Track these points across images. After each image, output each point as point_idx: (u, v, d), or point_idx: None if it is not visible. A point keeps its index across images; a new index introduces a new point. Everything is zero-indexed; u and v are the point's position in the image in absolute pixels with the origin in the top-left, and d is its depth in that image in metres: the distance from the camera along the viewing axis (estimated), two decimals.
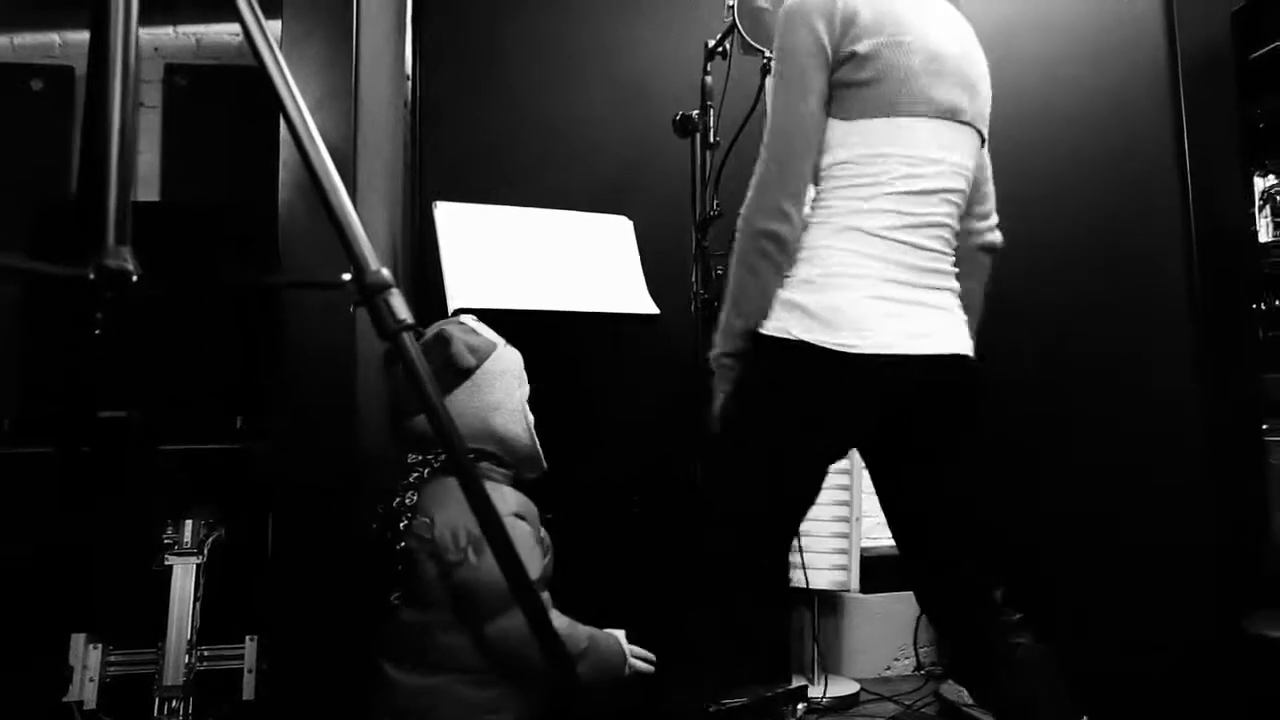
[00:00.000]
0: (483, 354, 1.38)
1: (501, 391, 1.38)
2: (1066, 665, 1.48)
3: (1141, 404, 2.09)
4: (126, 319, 1.99)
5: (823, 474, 1.54)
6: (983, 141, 1.56)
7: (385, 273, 0.86)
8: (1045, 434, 2.38)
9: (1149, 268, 2.10)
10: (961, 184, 1.51)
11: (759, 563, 1.53)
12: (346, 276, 0.87)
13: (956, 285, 1.52)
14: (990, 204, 1.63)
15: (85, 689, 1.83)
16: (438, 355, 1.36)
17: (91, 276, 0.84)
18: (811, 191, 1.50)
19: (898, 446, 1.53)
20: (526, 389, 1.46)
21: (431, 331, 1.43)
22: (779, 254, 1.45)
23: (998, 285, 1.63)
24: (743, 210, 1.46)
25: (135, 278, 0.85)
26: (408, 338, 0.84)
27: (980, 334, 1.60)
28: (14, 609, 1.95)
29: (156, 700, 1.83)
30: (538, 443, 1.43)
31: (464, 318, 1.48)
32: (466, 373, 1.36)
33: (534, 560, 1.32)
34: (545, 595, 1.33)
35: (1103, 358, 2.22)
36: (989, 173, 1.63)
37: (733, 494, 1.50)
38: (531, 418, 1.45)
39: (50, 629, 1.87)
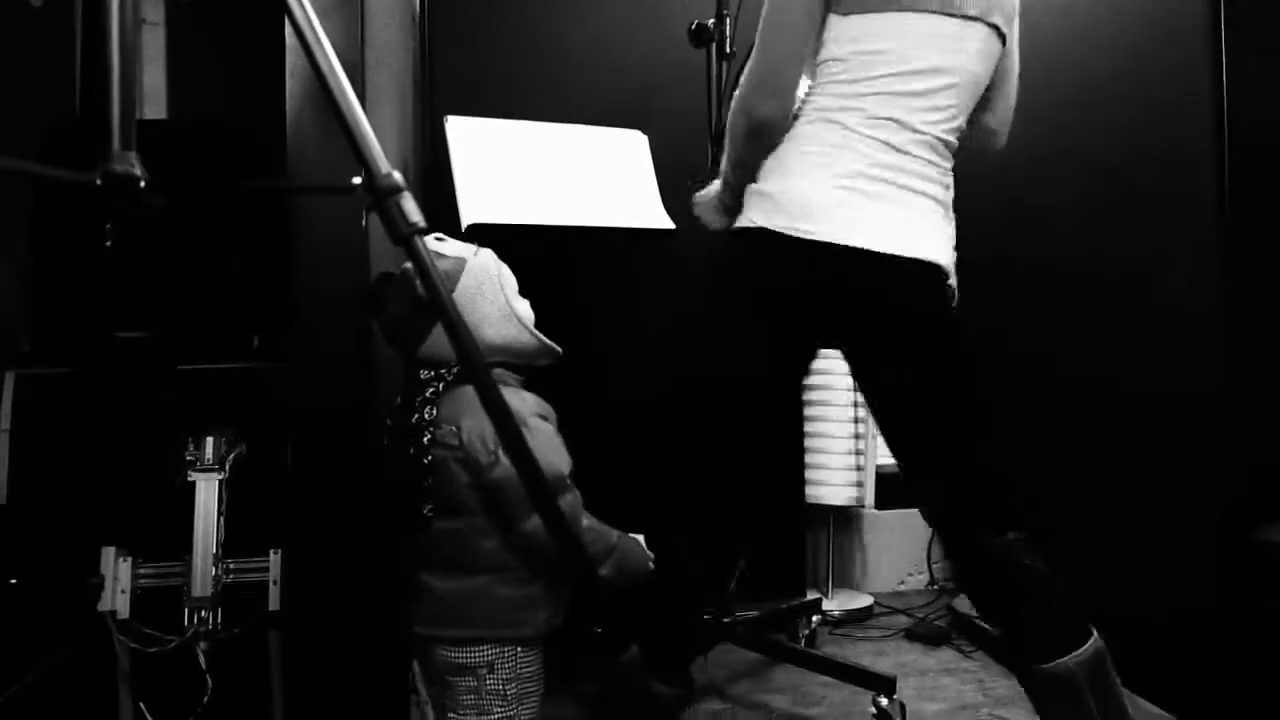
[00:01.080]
0: (452, 278, 1.33)
1: (484, 303, 1.34)
2: (1075, 580, 1.48)
3: (1160, 314, 2.05)
4: (140, 239, 1.99)
5: (791, 373, 1.57)
6: (1002, 39, 1.49)
7: (396, 176, 0.84)
8: (1054, 343, 2.35)
9: (1174, 163, 2.00)
10: (966, 95, 1.46)
11: (732, 466, 1.55)
12: (357, 180, 0.85)
13: (943, 194, 1.49)
14: (1004, 114, 1.58)
15: (118, 599, 1.88)
16: (405, 298, 1.31)
17: (99, 182, 0.83)
18: (804, 87, 1.47)
19: (872, 356, 1.51)
20: (510, 281, 1.41)
21: (395, 272, 1.36)
22: (769, 139, 1.47)
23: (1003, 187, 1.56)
24: (736, 94, 1.48)
25: (143, 183, 0.84)
26: (421, 241, 0.83)
27: (987, 239, 1.56)
28: (42, 524, 1.99)
29: (186, 610, 1.88)
30: (540, 334, 1.40)
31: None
32: None
33: (562, 455, 1.33)
34: (576, 494, 1.34)
35: (1120, 260, 2.17)
36: (1012, 77, 1.57)
37: (702, 391, 1.54)
38: (525, 310, 1.41)
39: (79, 543, 1.91)
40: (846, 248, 1.37)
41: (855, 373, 1.58)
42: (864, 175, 1.40)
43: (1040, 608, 1.46)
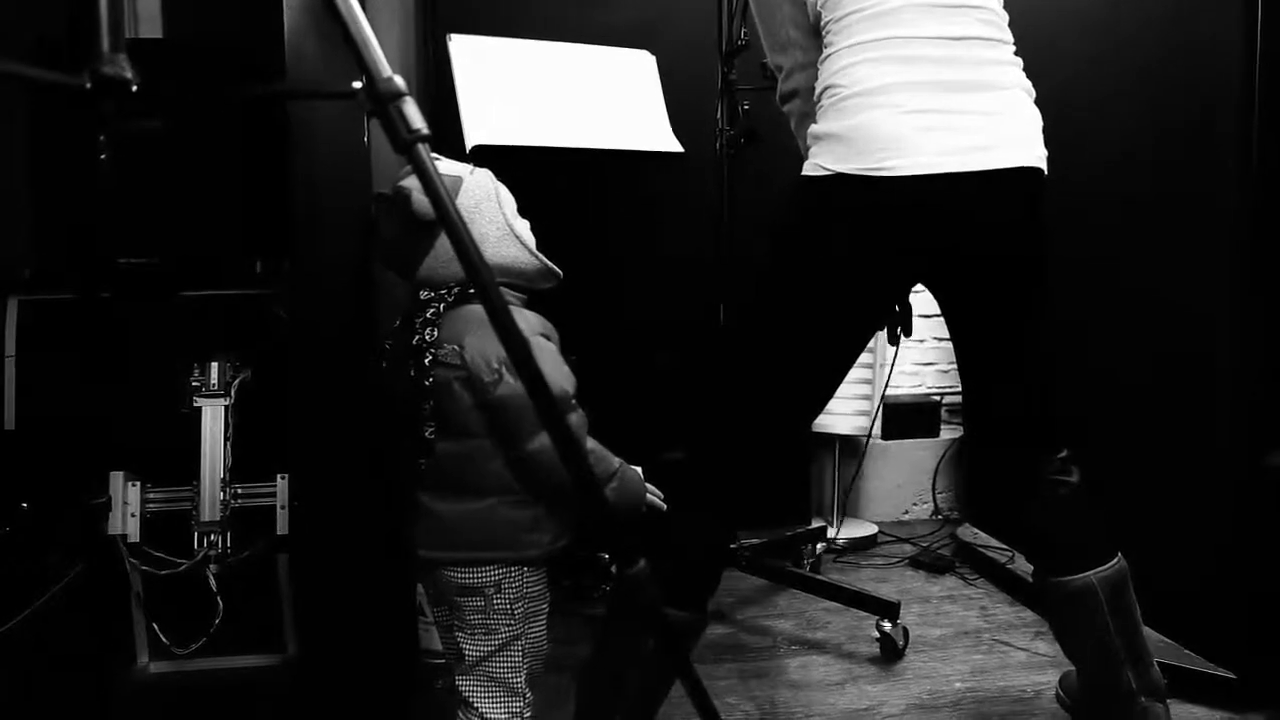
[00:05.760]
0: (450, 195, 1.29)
1: (482, 222, 1.30)
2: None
3: (1174, 243, 2.00)
4: (141, 163, 1.95)
5: (876, 319, 1.50)
6: None
7: (398, 80, 0.80)
8: (1066, 266, 2.30)
9: (1199, 102, 1.94)
10: None
11: (786, 415, 1.51)
12: (357, 85, 0.81)
13: (1014, 77, 1.37)
14: None
15: (128, 523, 1.89)
16: (401, 216, 1.26)
17: (88, 86, 0.79)
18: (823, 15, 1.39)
19: (969, 281, 1.43)
20: (509, 200, 1.36)
21: (389, 192, 1.31)
22: (798, 110, 1.47)
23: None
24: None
25: (134, 88, 0.81)
26: (423, 149, 0.80)
27: None
28: (50, 449, 2.00)
29: (196, 535, 1.90)
30: (540, 255, 1.36)
31: None
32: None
33: (565, 374, 1.31)
34: (581, 414, 1.32)
35: (1136, 197, 2.12)
36: None
37: (768, 347, 1.46)
38: (524, 230, 1.36)
39: (88, 468, 1.92)
40: (930, 177, 1.27)
41: (946, 302, 1.49)
42: (934, 85, 1.29)
43: (1074, 524, 1.47)
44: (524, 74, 2.18)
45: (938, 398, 3.29)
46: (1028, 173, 1.35)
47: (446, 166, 1.33)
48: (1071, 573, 1.45)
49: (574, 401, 1.30)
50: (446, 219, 0.80)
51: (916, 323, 3.13)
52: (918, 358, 3.27)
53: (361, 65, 0.81)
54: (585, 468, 0.81)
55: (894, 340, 1.64)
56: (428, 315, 1.29)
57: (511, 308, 1.32)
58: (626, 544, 0.85)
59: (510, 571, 1.31)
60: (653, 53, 2.38)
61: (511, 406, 1.23)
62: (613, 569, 2.26)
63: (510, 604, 1.31)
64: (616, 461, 1.35)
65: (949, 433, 3.28)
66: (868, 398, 2.88)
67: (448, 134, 2.09)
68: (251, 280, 2.07)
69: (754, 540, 2.48)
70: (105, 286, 2.05)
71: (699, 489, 1.48)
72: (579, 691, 1.48)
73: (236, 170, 2.09)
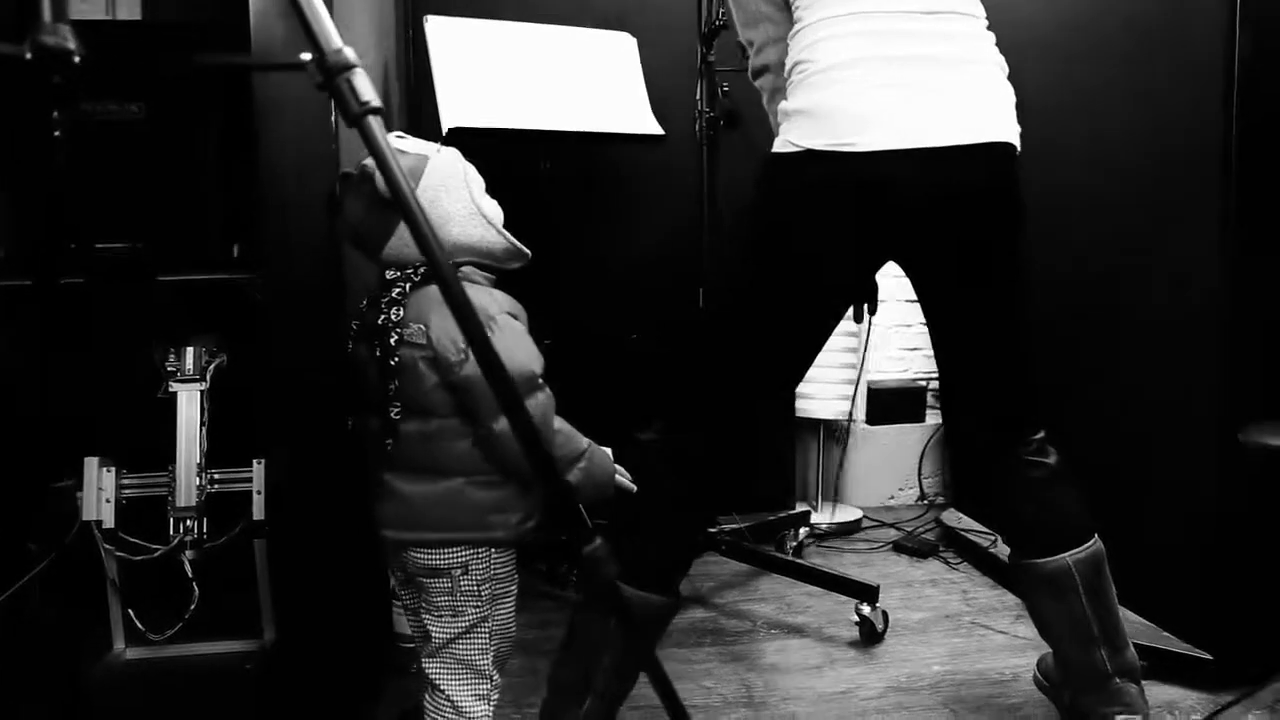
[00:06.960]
0: (415, 174, 1.26)
1: (448, 201, 1.29)
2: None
3: (1156, 226, 2.00)
4: (116, 146, 1.93)
5: (842, 296, 1.48)
6: None
7: (348, 53, 0.79)
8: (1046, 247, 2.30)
9: (1179, 95, 1.92)
10: None
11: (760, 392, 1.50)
12: (307, 57, 0.80)
13: (986, 52, 1.36)
14: None
15: (103, 509, 1.87)
16: (366, 196, 1.26)
17: (29, 56, 0.77)
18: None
19: (939, 262, 1.41)
20: (477, 179, 1.34)
21: (353, 171, 1.30)
22: (769, 85, 1.46)
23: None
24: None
25: (78, 59, 0.79)
26: (374, 121, 0.78)
27: None
28: (23, 435, 1.98)
29: (172, 520, 1.88)
30: (508, 234, 1.35)
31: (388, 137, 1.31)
32: None
33: (533, 354, 1.29)
34: (548, 394, 1.30)
35: (1118, 175, 2.11)
36: None
37: (739, 324, 1.45)
38: (492, 209, 1.34)
39: (61, 454, 1.90)
40: (898, 152, 1.27)
41: (918, 281, 1.47)
42: (903, 60, 1.28)
43: (1049, 506, 1.47)
44: (502, 56, 2.16)
45: (923, 383, 3.28)
46: (998, 148, 1.34)
47: (413, 144, 1.32)
48: (1047, 554, 1.45)
49: (541, 381, 1.29)
50: (397, 191, 0.79)
51: (904, 307, 3.15)
52: (904, 342, 3.27)
53: (310, 37, 0.80)
54: (543, 451, 0.80)
55: (859, 319, 1.63)
56: (393, 295, 1.28)
57: (479, 288, 1.33)
58: (583, 524, 0.84)
59: (478, 553, 1.30)
60: (632, 34, 2.36)
61: (477, 386, 1.22)
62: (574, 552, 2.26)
63: (477, 585, 1.30)
64: (585, 441, 1.34)
65: (935, 418, 3.27)
66: (852, 382, 2.88)
67: (425, 117, 2.07)
68: (229, 264, 2.05)
69: (736, 524, 2.47)
70: (80, 271, 2.03)
71: (669, 468, 1.47)
72: (551, 675, 1.47)
73: (214, 153, 2.06)
